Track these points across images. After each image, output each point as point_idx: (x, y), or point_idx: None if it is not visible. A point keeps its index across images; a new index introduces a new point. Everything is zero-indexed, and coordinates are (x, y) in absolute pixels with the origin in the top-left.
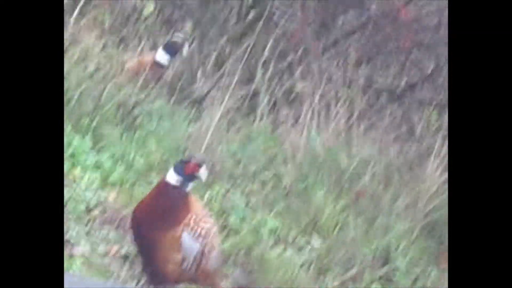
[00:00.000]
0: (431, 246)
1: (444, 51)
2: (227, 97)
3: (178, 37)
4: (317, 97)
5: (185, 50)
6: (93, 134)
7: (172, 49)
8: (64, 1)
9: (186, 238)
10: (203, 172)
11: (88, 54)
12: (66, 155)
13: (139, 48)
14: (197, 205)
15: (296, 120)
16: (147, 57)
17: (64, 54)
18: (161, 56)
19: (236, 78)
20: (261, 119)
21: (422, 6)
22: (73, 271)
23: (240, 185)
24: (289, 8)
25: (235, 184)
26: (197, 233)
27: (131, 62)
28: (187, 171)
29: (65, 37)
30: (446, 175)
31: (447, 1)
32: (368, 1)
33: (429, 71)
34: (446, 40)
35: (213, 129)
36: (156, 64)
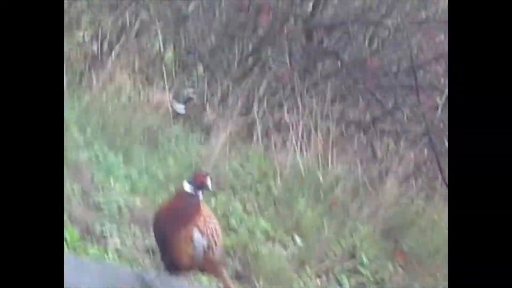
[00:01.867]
0: (388, 246)
1: (400, 91)
2: (229, 124)
3: (190, 92)
4: (300, 127)
5: (195, 99)
6: (124, 152)
7: (186, 101)
8: (104, 47)
9: (197, 235)
10: (209, 183)
11: (121, 89)
12: (103, 169)
13: (162, 85)
14: (205, 210)
15: (284, 145)
16: (167, 96)
17: (103, 89)
18: (179, 108)
19: (237, 110)
20: (256, 143)
21: (385, 55)
22: (107, 260)
23: (239, 195)
24: (280, 56)
25: (235, 194)
26: (205, 232)
27: (155, 96)
28: (198, 182)
29: (103, 75)
30: (401, 189)
31: (409, 52)
32: (342, 52)
33: (389, 108)
34: (404, 83)
35: (218, 150)
36: (174, 111)
